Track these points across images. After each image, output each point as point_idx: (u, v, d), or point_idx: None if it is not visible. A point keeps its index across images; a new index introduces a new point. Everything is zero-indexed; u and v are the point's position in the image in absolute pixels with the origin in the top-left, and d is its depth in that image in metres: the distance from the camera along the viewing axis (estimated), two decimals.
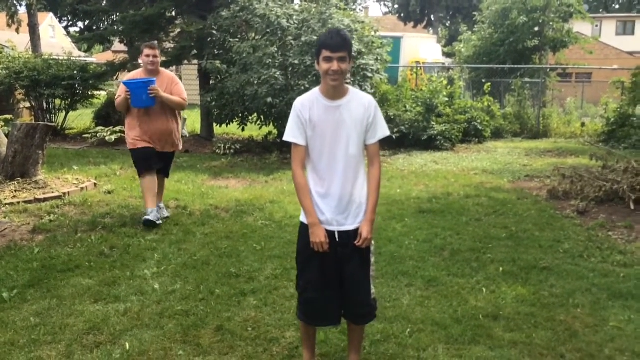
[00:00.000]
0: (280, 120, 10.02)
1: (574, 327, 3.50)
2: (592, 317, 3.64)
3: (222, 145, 10.62)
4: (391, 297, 3.95)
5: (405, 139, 11.33)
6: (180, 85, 5.64)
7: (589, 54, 19.12)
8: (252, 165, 9.40)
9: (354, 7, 20.00)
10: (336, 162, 2.69)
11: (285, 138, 2.75)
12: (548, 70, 17.06)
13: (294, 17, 9.89)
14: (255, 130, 11.72)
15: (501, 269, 4.50)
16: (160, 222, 5.60)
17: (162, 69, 5.73)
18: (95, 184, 7.51)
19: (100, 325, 3.51)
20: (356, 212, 2.73)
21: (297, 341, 3.29)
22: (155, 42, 5.54)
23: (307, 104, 2.70)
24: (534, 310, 3.75)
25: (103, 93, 13.89)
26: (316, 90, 2.74)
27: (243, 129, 10.96)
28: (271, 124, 10.74)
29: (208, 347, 3.25)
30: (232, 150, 10.45)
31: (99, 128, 11.59)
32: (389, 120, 11.56)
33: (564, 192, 6.97)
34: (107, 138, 11.00)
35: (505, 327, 3.50)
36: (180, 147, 5.93)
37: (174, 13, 12.31)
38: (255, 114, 10.46)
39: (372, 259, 2.81)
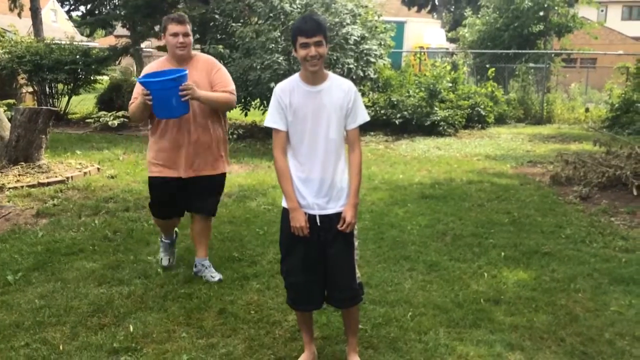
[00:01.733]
0: None
1: (574, 312, 3.51)
2: (592, 302, 3.65)
3: None
4: (393, 281, 3.97)
5: (408, 124, 11.30)
6: (223, 71, 3.87)
7: (594, 39, 18.98)
8: (255, 151, 9.40)
9: None
10: (317, 146, 2.69)
11: (266, 123, 2.76)
12: (552, 55, 16.94)
13: (297, 1, 9.82)
14: (258, 116, 11.70)
15: (503, 254, 4.51)
16: (169, 263, 4.19)
17: (196, 52, 3.99)
18: (98, 169, 7.53)
19: (105, 308, 3.54)
20: (337, 196, 2.74)
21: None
22: (184, 14, 3.84)
23: (287, 89, 2.71)
24: (535, 294, 3.76)
25: (105, 78, 13.87)
26: (296, 76, 2.74)
27: (246, 114, 10.94)
28: None
29: (211, 330, 3.28)
30: (234, 136, 10.44)
31: (102, 113, 11.59)
32: (392, 106, 11.53)
33: (567, 177, 6.96)
34: (110, 123, 11.01)
35: (506, 311, 3.52)
36: (227, 167, 4.06)
37: None
38: (258, 99, 10.43)
39: (356, 243, 2.82)
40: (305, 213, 2.71)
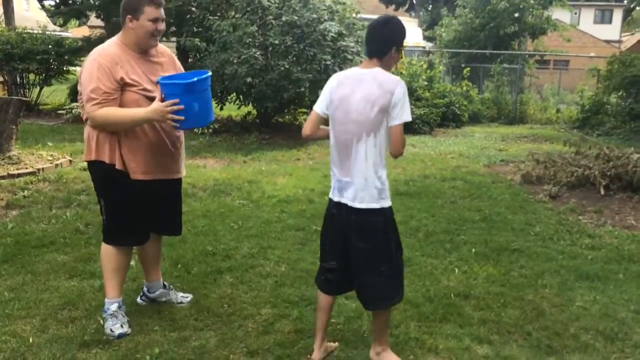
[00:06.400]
0: (260, 100, 9.96)
1: (541, 307, 3.60)
2: (559, 297, 3.75)
3: None
4: None
5: None
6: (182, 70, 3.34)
7: (567, 41, 19.35)
8: (231, 145, 9.36)
9: None
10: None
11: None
12: (526, 56, 17.22)
13: None
14: (234, 110, 11.65)
15: (474, 250, 4.59)
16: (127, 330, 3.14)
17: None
18: (70, 161, 7.42)
19: (75, 301, 3.50)
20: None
21: (272, 318, 3.35)
22: None
23: None
24: (503, 290, 3.85)
25: (78, 69, 13.64)
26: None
27: (221, 108, 10.88)
28: (250, 104, 10.68)
29: (183, 323, 3.27)
30: (210, 130, 10.37)
31: (74, 104, 11.37)
32: None
33: (537, 176, 7.11)
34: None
35: (475, 305, 3.60)
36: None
37: None
38: (234, 94, 10.38)
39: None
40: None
